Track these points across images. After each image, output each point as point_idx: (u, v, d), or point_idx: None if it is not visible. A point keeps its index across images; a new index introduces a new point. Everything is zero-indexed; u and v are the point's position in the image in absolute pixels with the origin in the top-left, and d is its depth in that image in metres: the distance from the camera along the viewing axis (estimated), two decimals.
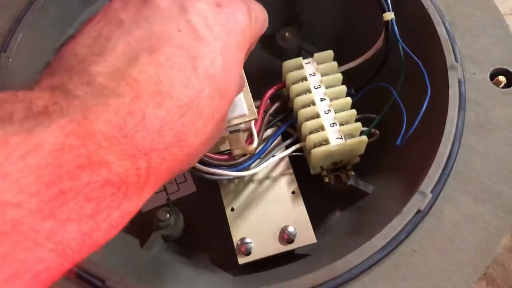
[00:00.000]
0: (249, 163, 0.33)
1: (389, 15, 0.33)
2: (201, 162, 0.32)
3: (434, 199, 0.28)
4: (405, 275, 0.27)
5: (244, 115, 0.32)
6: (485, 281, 0.31)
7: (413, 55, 0.31)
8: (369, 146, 0.34)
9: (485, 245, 0.27)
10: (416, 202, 0.28)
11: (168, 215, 0.35)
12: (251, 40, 0.24)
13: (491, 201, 0.28)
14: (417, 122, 0.29)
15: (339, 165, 0.36)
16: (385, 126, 0.34)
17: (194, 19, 0.21)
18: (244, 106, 0.32)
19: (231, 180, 0.36)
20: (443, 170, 0.29)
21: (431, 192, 0.28)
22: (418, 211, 0.28)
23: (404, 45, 0.32)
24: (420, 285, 0.26)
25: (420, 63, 0.31)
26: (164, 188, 0.40)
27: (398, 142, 0.30)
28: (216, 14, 0.22)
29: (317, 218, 0.35)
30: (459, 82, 0.31)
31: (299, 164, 0.37)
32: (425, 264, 0.27)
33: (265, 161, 0.34)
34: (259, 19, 0.25)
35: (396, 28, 0.33)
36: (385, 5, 0.33)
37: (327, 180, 0.35)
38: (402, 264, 0.27)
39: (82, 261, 0.18)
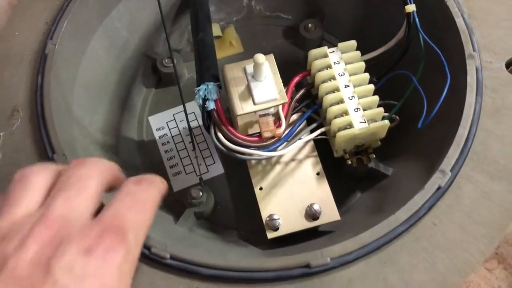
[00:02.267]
0: (277, 145, 0.36)
1: (411, 7, 0.35)
2: (234, 142, 0.34)
3: (453, 177, 0.31)
4: (426, 246, 0.29)
5: (275, 99, 0.34)
6: (497, 260, 0.33)
7: (433, 45, 0.33)
8: (389, 130, 0.37)
9: (500, 219, 0.29)
10: (437, 180, 0.30)
11: (201, 193, 0.37)
12: (133, 263, 0.22)
13: (506, 179, 0.31)
14: (437, 107, 0.31)
15: (360, 148, 0.38)
16: (404, 111, 0.36)
17: (61, 279, 0.19)
18: (275, 91, 0.34)
19: (259, 161, 0.38)
20: (462, 150, 0.31)
21: (451, 170, 0.31)
22: (439, 188, 0.30)
23: (425, 36, 0.34)
24: (439, 255, 0.29)
25: (440, 53, 0.33)
26: (194, 170, 0.42)
27: (419, 126, 0.32)
28: (85, 264, 0.20)
29: (339, 199, 0.37)
30: (477, 70, 0.33)
31: (322, 148, 0.39)
32: (445, 236, 0.29)
33: (292, 144, 0.36)
34: (141, 230, 0.23)
35: (417, 19, 0.35)
36: None
37: (350, 162, 0.38)
38: (423, 237, 0.29)
39: None
